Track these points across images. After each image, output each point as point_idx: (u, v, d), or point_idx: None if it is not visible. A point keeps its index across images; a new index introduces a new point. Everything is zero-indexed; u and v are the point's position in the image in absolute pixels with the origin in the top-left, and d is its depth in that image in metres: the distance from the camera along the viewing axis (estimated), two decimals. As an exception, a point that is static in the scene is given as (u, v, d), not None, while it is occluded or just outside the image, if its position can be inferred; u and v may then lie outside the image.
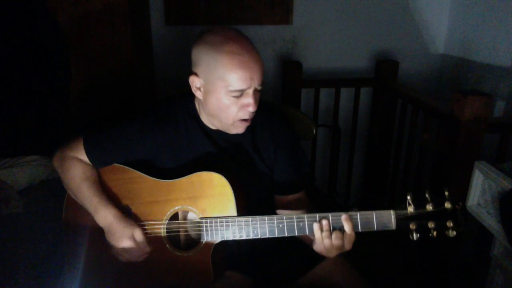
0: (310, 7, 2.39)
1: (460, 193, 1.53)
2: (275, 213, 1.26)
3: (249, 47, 1.07)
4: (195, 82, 1.12)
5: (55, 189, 1.64)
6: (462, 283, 1.75)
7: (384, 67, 2.27)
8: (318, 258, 1.22)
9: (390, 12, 2.44)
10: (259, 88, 1.10)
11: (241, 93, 1.08)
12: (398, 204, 1.07)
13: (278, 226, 1.07)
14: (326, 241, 1.04)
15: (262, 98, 1.18)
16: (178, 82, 1.14)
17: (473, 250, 1.72)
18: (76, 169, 1.19)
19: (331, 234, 1.04)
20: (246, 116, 1.11)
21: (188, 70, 1.15)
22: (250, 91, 1.08)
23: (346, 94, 2.40)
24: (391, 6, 2.43)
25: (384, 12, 2.44)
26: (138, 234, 1.12)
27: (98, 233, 1.18)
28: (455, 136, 1.54)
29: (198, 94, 1.13)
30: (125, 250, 1.13)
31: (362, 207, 2.67)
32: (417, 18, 2.46)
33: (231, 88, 1.06)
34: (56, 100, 1.93)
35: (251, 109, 1.09)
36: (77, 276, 1.21)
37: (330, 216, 1.05)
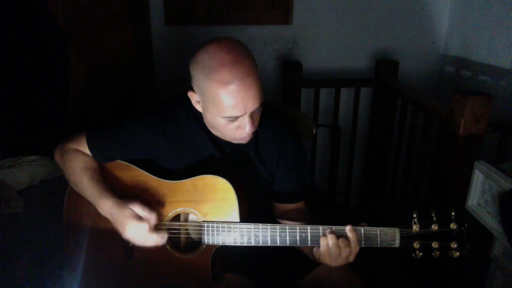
0: (310, 7, 2.39)
1: (460, 193, 1.53)
2: (274, 220, 1.26)
3: (243, 72, 1.00)
4: (194, 97, 1.11)
5: (55, 189, 1.64)
6: (462, 283, 1.75)
7: (384, 67, 2.27)
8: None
9: (390, 12, 2.44)
10: (257, 108, 1.06)
11: (235, 118, 1.05)
12: (393, 208, 1.06)
13: (280, 236, 1.06)
14: (334, 249, 1.03)
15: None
16: (178, 82, 1.14)
17: (473, 250, 1.72)
18: (77, 160, 1.18)
19: (338, 241, 1.04)
20: (244, 135, 1.09)
21: (188, 70, 1.14)
22: (245, 116, 1.05)
23: (346, 94, 2.40)
24: (391, 6, 2.43)
25: (384, 12, 2.44)
26: (137, 207, 1.09)
27: (98, 233, 1.18)
28: (455, 136, 1.54)
29: (198, 108, 1.12)
30: (134, 230, 1.08)
31: (362, 208, 2.66)
32: (417, 18, 2.46)
33: (223, 114, 1.04)
34: (56, 100, 1.93)
35: (247, 130, 1.07)
36: (77, 276, 1.21)
37: (333, 228, 1.06)
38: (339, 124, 2.39)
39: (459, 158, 1.56)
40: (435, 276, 1.75)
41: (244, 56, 1.02)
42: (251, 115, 1.06)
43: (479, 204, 1.44)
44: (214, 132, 1.16)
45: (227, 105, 1.02)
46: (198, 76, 1.05)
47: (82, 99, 1.98)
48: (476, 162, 1.43)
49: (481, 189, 1.42)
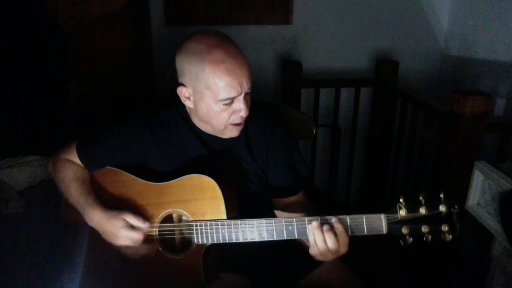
0: (310, 7, 2.39)
1: (460, 193, 1.53)
2: (272, 215, 1.25)
3: (234, 52, 1.04)
4: (183, 92, 1.10)
5: (55, 189, 1.64)
6: (462, 283, 1.75)
7: (384, 67, 2.28)
8: (317, 260, 1.22)
9: (390, 12, 2.44)
10: (249, 91, 1.08)
11: (231, 100, 1.06)
12: (393, 206, 1.04)
13: (267, 230, 1.06)
14: (321, 245, 1.02)
15: (261, 98, 1.17)
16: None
17: (473, 250, 1.72)
18: (67, 170, 1.19)
19: (324, 237, 1.01)
20: (239, 121, 1.10)
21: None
22: (241, 97, 1.06)
23: (346, 94, 2.40)
24: (391, 6, 2.43)
25: (384, 12, 2.44)
26: (130, 217, 1.10)
27: (96, 233, 1.18)
28: (455, 136, 1.54)
29: (188, 103, 1.12)
30: (127, 240, 1.10)
31: (362, 208, 2.66)
32: (417, 18, 2.46)
33: (220, 97, 1.04)
34: (56, 100, 1.93)
35: (243, 114, 1.08)
36: (77, 276, 1.21)
37: (319, 219, 1.03)
38: (339, 124, 2.39)
39: (459, 158, 1.56)
40: (434, 276, 1.75)
41: (229, 39, 1.07)
42: (245, 98, 1.07)
43: (479, 204, 1.44)
44: (206, 128, 1.16)
45: (223, 85, 1.02)
46: (189, 64, 1.05)
47: (82, 99, 1.98)
48: (476, 162, 1.43)
49: (481, 189, 1.42)
